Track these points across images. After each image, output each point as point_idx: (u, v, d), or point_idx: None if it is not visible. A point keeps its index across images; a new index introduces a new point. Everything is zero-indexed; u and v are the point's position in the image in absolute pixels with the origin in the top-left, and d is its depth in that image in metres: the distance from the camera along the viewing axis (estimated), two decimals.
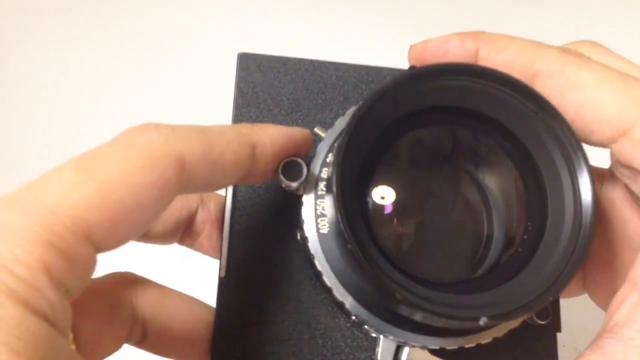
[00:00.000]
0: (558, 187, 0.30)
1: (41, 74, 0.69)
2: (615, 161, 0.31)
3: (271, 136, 0.30)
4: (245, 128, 0.30)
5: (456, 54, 0.31)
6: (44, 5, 0.72)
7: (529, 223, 0.31)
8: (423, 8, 0.74)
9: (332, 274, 0.31)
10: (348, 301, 0.31)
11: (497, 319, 0.27)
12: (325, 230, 0.31)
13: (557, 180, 0.30)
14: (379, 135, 0.30)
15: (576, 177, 0.30)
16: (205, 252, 0.36)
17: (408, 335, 0.31)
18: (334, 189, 0.27)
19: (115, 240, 0.25)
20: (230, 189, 0.34)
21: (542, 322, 0.33)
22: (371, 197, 0.33)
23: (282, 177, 0.31)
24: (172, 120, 0.27)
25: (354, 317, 0.31)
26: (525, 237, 0.31)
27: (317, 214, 0.31)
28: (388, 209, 0.34)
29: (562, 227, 0.30)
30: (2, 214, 0.23)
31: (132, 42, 0.71)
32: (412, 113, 0.31)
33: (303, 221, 0.31)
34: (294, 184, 0.31)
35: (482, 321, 0.27)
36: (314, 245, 0.31)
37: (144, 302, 0.33)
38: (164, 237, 0.36)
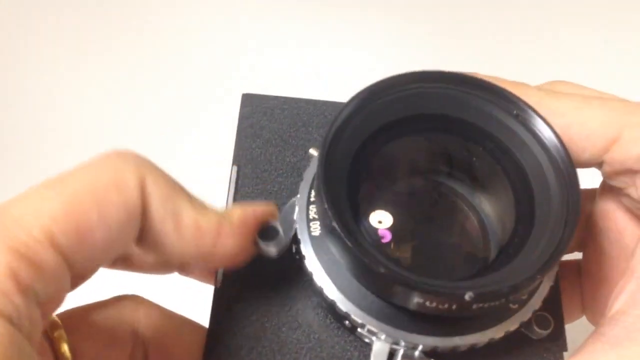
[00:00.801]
0: (544, 182, 0.31)
1: (32, 84, 0.71)
2: (610, 172, 0.32)
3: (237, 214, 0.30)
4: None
5: None
6: (35, 19, 0.75)
7: (519, 227, 0.32)
8: (424, 30, 0.74)
9: (324, 274, 0.32)
10: (339, 299, 0.31)
11: (484, 295, 0.28)
12: (317, 232, 0.32)
13: (542, 175, 0.31)
14: (362, 144, 0.32)
15: (560, 168, 0.31)
16: (197, 279, 0.37)
17: (400, 334, 0.30)
18: (320, 182, 0.29)
19: (85, 256, 0.26)
20: (229, 201, 0.36)
21: (543, 332, 0.32)
22: (367, 220, 0.35)
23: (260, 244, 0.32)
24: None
25: (346, 322, 0.31)
26: (516, 240, 0.32)
27: (309, 218, 0.32)
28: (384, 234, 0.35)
29: (550, 217, 0.30)
30: None
31: (135, 63, 0.73)
32: (392, 124, 0.33)
33: (295, 223, 0.32)
34: (272, 249, 0.32)
35: (468, 295, 0.27)
36: (306, 247, 0.32)
37: (146, 325, 0.33)
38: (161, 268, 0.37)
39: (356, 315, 0.31)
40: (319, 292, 0.32)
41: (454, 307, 0.28)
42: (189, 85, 0.70)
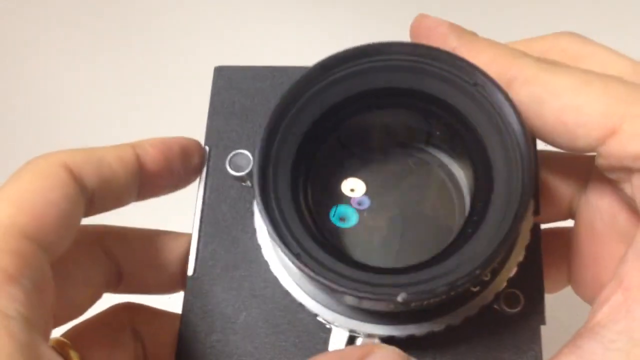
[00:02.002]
0: (502, 160, 0.29)
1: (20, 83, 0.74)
2: (605, 165, 0.29)
3: (151, 141, 0.33)
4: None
5: (436, 44, 0.31)
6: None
7: (480, 203, 0.29)
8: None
9: (279, 264, 0.32)
10: (293, 290, 0.31)
11: (418, 296, 0.26)
12: None
13: (501, 153, 0.29)
14: (318, 119, 0.31)
15: (517, 146, 0.28)
16: None
17: (354, 324, 0.30)
18: (255, 164, 0.28)
19: (49, 236, 0.28)
20: (200, 190, 0.36)
21: (512, 311, 0.30)
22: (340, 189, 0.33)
23: (229, 169, 0.32)
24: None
25: (308, 308, 0.31)
26: (475, 217, 0.29)
27: None
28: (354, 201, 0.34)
29: (506, 199, 0.28)
30: None
31: (119, 51, 0.74)
32: (354, 96, 0.31)
33: (254, 214, 0.32)
34: (241, 174, 0.32)
35: (401, 297, 0.26)
36: (261, 236, 0.32)
37: (146, 328, 0.36)
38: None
39: (310, 305, 0.31)
40: (275, 282, 0.32)
41: (391, 306, 0.28)
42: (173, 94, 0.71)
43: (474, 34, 0.31)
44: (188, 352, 0.33)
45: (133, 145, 0.33)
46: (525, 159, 0.27)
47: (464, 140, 0.30)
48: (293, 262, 0.27)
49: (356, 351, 0.28)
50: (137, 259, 0.36)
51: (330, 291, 0.28)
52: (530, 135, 0.28)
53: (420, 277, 0.27)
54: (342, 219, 0.34)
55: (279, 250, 0.29)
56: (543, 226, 0.35)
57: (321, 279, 0.26)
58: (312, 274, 0.27)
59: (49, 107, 0.73)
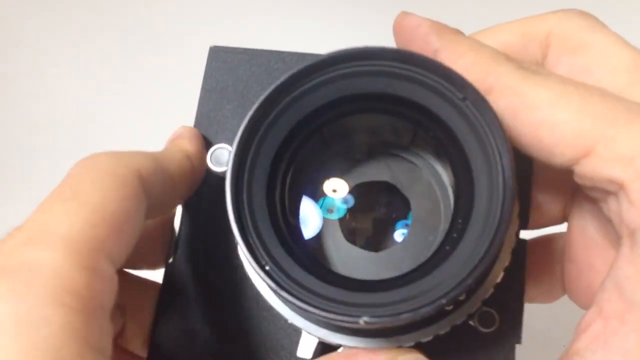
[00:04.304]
0: (485, 179, 0.27)
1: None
2: (580, 184, 0.28)
3: (194, 143, 0.33)
4: (173, 144, 0.33)
5: (419, 45, 0.29)
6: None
7: (460, 220, 0.28)
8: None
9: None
10: (264, 291, 0.31)
11: (379, 321, 0.26)
12: None
13: (485, 172, 0.27)
14: (300, 122, 0.30)
15: (501, 168, 0.27)
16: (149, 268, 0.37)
17: (323, 333, 0.30)
18: (229, 164, 0.28)
19: (122, 251, 0.27)
20: None
21: (485, 330, 0.30)
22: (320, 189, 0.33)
23: (210, 163, 0.32)
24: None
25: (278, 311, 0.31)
26: (455, 235, 0.28)
27: None
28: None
29: (482, 221, 0.27)
30: (30, 253, 0.24)
31: (113, 39, 0.73)
32: (335, 101, 0.30)
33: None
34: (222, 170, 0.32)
35: (363, 321, 0.25)
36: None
37: (129, 296, 0.34)
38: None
39: (279, 308, 0.30)
40: (249, 280, 0.31)
41: (355, 326, 0.27)
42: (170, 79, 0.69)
43: (456, 33, 0.29)
44: (163, 338, 0.33)
45: (189, 156, 0.32)
46: (507, 187, 0.26)
47: (448, 151, 0.29)
48: (260, 276, 0.27)
49: (382, 355, 0.28)
50: None
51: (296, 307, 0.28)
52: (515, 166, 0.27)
53: (388, 299, 0.26)
54: (330, 211, 0.33)
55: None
56: (537, 233, 0.34)
57: (286, 295, 0.26)
58: (277, 289, 0.26)
59: (42, 91, 0.72)
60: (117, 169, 0.28)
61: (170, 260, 0.34)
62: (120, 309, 0.35)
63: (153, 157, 0.30)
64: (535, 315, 0.34)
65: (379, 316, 0.25)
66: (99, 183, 0.27)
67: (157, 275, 0.36)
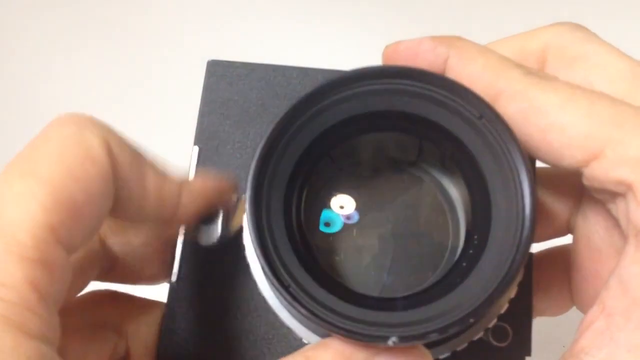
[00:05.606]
0: (502, 197, 0.28)
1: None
2: (589, 186, 0.28)
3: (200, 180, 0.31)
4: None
5: (426, 58, 0.30)
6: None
7: (476, 236, 0.29)
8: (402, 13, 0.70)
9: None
10: (270, 296, 0.30)
11: (410, 339, 0.26)
12: None
13: (502, 189, 0.28)
14: (315, 141, 0.29)
15: (519, 186, 0.27)
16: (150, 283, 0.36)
17: None
18: (249, 184, 0.27)
19: (79, 237, 0.25)
20: None
21: (498, 345, 0.30)
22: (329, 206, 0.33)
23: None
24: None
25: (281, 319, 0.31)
26: (471, 251, 0.29)
27: None
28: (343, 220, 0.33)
29: (501, 239, 0.27)
30: None
31: (110, 45, 0.72)
32: (349, 119, 0.30)
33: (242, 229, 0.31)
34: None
35: (392, 341, 0.25)
36: (246, 238, 0.31)
37: (127, 318, 0.34)
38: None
39: (284, 317, 0.30)
40: (254, 284, 0.31)
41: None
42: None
43: (462, 39, 0.30)
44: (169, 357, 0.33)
45: (185, 182, 0.30)
46: (528, 207, 0.27)
47: (462, 167, 0.30)
48: (283, 296, 0.26)
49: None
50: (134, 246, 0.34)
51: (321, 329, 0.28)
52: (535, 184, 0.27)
53: (413, 317, 0.26)
54: (327, 224, 0.33)
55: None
56: (543, 245, 0.35)
57: (312, 318, 0.26)
58: (303, 310, 0.26)
59: (37, 98, 0.70)
60: (80, 136, 0.26)
61: (174, 279, 0.33)
62: (116, 330, 0.34)
63: (136, 148, 0.28)
64: None
65: (407, 336, 0.26)
66: (62, 156, 0.25)
67: (159, 291, 0.35)
